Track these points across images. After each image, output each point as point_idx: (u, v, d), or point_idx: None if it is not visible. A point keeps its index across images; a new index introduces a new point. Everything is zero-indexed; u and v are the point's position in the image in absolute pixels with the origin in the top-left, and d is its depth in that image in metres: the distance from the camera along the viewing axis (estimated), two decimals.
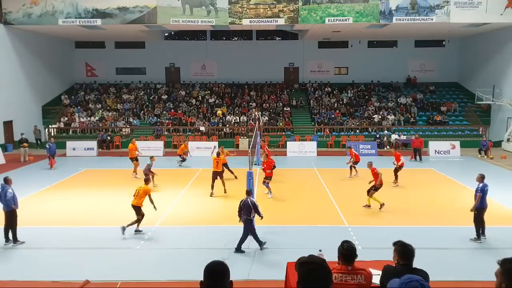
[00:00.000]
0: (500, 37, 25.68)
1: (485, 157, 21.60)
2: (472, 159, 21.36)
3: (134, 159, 17.65)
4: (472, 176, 17.32)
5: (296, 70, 33.14)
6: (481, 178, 9.95)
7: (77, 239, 10.09)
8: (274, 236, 10.00)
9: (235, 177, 16.51)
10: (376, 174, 12.55)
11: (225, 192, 14.42)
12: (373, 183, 12.63)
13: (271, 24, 23.24)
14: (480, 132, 26.43)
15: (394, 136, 25.18)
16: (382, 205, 12.35)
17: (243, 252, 9.12)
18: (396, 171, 15.70)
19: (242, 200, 9.39)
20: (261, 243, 9.25)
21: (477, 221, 9.79)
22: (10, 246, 9.62)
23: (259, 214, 9.35)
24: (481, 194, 9.66)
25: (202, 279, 2.70)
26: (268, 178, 14.15)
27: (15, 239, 9.70)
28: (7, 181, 9.94)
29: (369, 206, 12.63)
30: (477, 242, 9.74)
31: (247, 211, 9.16)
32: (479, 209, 9.77)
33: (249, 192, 9.59)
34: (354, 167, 17.22)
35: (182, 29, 29.16)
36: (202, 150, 23.25)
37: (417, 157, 20.97)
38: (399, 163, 15.61)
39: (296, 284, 2.65)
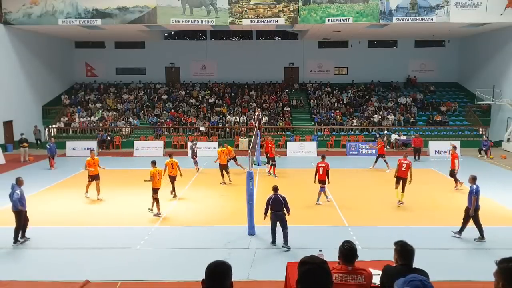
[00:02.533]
0: (500, 37, 25.68)
1: (485, 157, 21.58)
2: (472, 159, 21.35)
3: (95, 178, 14.12)
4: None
5: (296, 70, 33.14)
6: (473, 179, 9.97)
7: (77, 239, 10.10)
8: None
9: (224, 182, 16.35)
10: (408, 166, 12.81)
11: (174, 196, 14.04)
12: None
13: (271, 24, 23.24)
14: (480, 132, 26.43)
15: (394, 136, 25.18)
16: (400, 202, 12.88)
17: (289, 248, 9.26)
18: (453, 175, 15.18)
19: (270, 197, 9.42)
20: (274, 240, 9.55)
21: (475, 221, 9.81)
22: (15, 246, 9.64)
23: (288, 209, 9.42)
24: (476, 196, 9.65)
25: (201, 278, 2.70)
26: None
27: (16, 239, 9.71)
28: (18, 181, 10.02)
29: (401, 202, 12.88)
30: (482, 241, 9.75)
31: (279, 207, 9.28)
32: (475, 210, 9.80)
33: (277, 189, 9.61)
34: (384, 160, 18.56)
35: (182, 29, 29.16)
36: (202, 150, 23.24)
37: (416, 157, 21.00)
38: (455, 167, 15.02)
39: (296, 284, 2.65)
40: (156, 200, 12.04)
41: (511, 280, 2.41)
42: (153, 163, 12.53)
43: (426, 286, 2.66)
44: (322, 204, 13.04)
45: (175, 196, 14.00)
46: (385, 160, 18.43)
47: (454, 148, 15.82)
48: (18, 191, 9.75)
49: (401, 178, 12.78)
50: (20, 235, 9.82)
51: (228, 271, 2.67)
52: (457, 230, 10.05)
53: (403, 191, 12.80)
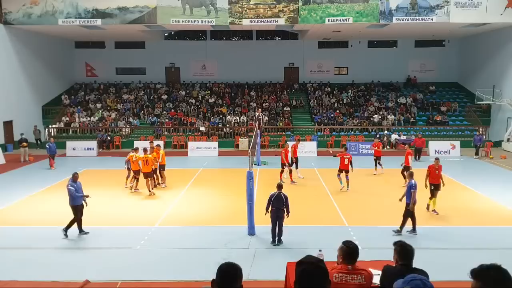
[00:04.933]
0: (500, 37, 25.68)
1: (478, 157, 21.44)
2: (472, 159, 21.37)
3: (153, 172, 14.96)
4: (472, 176, 17.37)
5: (296, 70, 33.14)
6: (411, 175, 10.54)
7: (76, 239, 10.10)
8: None
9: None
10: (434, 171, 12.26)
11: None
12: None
13: (271, 24, 23.24)
14: (480, 132, 26.40)
15: (394, 136, 25.18)
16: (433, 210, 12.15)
17: (282, 242, 9.56)
18: (403, 172, 15.38)
19: (273, 194, 9.52)
20: (274, 240, 9.58)
21: (411, 216, 10.24)
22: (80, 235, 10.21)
23: (287, 209, 9.52)
24: (416, 190, 10.10)
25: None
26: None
27: (80, 230, 10.30)
28: (72, 176, 10.48)
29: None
30: (414, 234, 10.14)
31: (280, 204, 9.41)
32: (412, 205, 10.21)
33: (281, 186, 9.70)
34: (379, 163, 17.83)
35: (182, 29, 29.16)
36: (202, 150, 23.30)
37: (417, 157, 21.01)
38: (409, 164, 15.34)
39: (294, 284, 2.65)
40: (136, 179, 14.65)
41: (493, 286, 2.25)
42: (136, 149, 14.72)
43: (427, 285, 2.67)
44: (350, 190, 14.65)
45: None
46: (379, 162, 17.77)
47: (409, 146, 17.17)
48: (69, 185, 10.24)
49: (434, 185, 12.18)
50: (65, 227, 10.17)
51: (238, 273, 2.72)
52: (410, 229, 10.35)
53: (434, 197, 12.21)
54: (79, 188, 10.42)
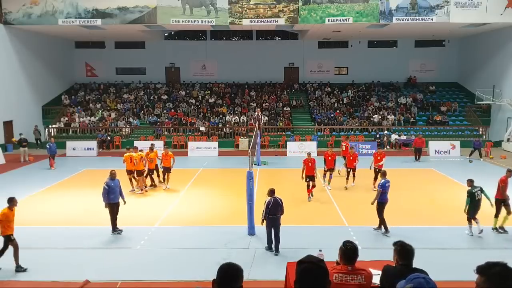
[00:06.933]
0: (500, 37, 25.68)
1: (481, 159, 21.05)
2: (472, 159, 21.34)
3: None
4: (472, 176, 17.32)
5: (296, 70, 33.14)
6: (383, 174, 10.69)
7: (77, 239, 10.09)
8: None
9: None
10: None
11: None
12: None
13: (271, 24, 23.25)
14: (480, 132, 26.43)
15: (394, 136, 25.18)
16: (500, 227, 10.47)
17: (279, 252, 9.15)
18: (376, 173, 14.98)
19: (269, 201, 8.98)
20: (271, 246, 9.20)
21: (380, 215, 10.32)
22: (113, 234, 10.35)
23: (282, 212, 9.12)
24: (381, 190, 10.19)
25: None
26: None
27: (113, 229, 10.46)
28: (110, 174, 10.69)
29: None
30: (387, 235, 10.17)
31: (277, 210, 8.96)
32: (381, 204, 10.27)
33: (274, 191, 9.18)
34: (353, 174, 15.64)
35: (182, 29, 29.17)
36: (202, 150, 23.31)
37: (417, 156, 21.03)
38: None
39: (294, 284, 2.65)
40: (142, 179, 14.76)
41: (499, 284, 2.26)
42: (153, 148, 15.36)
43: (429, 283, 2.68)
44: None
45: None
46: (354, 174, 15.65)
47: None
48: (105, 185, 10.33)
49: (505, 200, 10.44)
50: (112, 228, 10.43)
51: (239, 273, 2.71)
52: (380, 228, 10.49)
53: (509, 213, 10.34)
54: (116, 186, 10.48)
